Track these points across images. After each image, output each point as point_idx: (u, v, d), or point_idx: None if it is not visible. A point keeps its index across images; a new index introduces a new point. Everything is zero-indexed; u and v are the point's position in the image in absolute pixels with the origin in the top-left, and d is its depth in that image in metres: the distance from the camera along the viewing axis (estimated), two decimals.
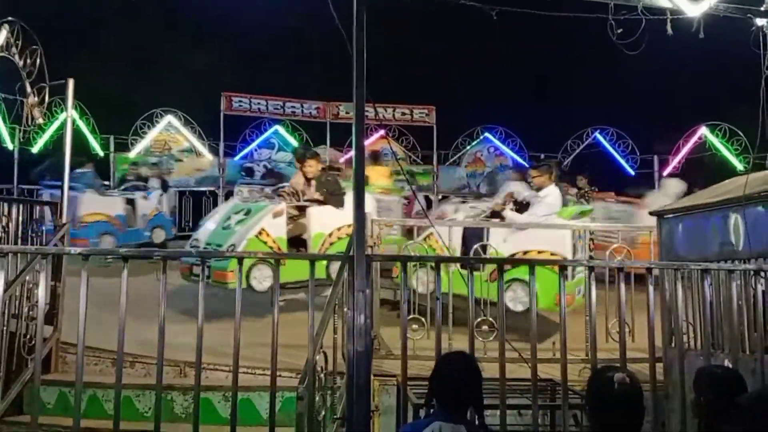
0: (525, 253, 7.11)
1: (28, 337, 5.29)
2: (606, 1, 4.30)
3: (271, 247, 7.48)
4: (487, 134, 19.55)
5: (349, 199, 6.94)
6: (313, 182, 8.27)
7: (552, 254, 7.02)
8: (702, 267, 4.55)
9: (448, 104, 19.35)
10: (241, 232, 7.56)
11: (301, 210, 8.09)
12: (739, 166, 16.66)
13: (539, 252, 7.11)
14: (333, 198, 8.10)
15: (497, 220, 7.81)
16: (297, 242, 8.03)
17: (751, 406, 2.72)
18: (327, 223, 7.97)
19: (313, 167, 8.34)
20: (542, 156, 18.65)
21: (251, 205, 8.01)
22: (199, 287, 3.72)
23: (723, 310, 4.57)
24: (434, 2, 4.00)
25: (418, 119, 18.90)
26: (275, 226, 7.67)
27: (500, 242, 7.08)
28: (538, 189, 8.04)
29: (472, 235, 7.44)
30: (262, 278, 7.26)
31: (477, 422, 3.14)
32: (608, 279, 5.97)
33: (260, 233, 7.53)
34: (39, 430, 4.36)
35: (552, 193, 7.90)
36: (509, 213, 7.86)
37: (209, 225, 8.24)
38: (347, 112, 17.71)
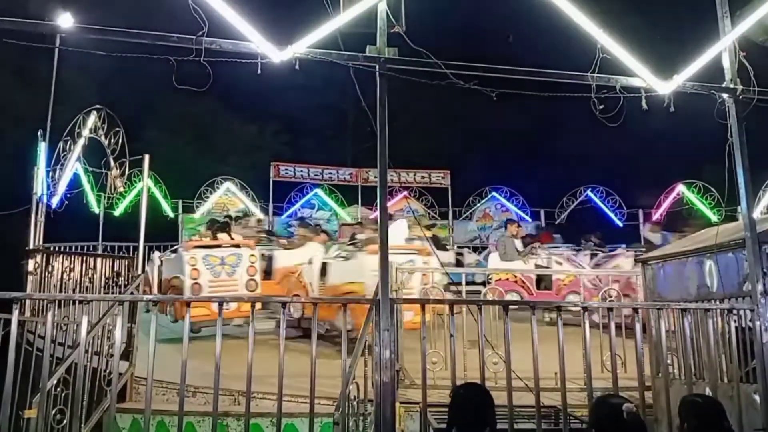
0: None
1: (108, 371, 5.33)
2: (588, 83, 4.36)
3: None
4: (494, 193, 19.63)
5: None
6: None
7: None
8: (682, 306, 4.49)
9: (460, 168, 19.56)
10: None
11: None
12: (713, 218, 16.40)
13: None
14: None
15: None
16: None
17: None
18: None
19: None
20: (542, 211, 18.67)
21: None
22: (249, 330, 3.73)
23: (702, 344, 4.47)
24: (444, 86, 4.09)
25: (435, 181, 19.05)
26: None
27: None
28: None
29: None
30: None
31: None
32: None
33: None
34: None
35: None
36: None
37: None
38: (375, 177, 17.89)
